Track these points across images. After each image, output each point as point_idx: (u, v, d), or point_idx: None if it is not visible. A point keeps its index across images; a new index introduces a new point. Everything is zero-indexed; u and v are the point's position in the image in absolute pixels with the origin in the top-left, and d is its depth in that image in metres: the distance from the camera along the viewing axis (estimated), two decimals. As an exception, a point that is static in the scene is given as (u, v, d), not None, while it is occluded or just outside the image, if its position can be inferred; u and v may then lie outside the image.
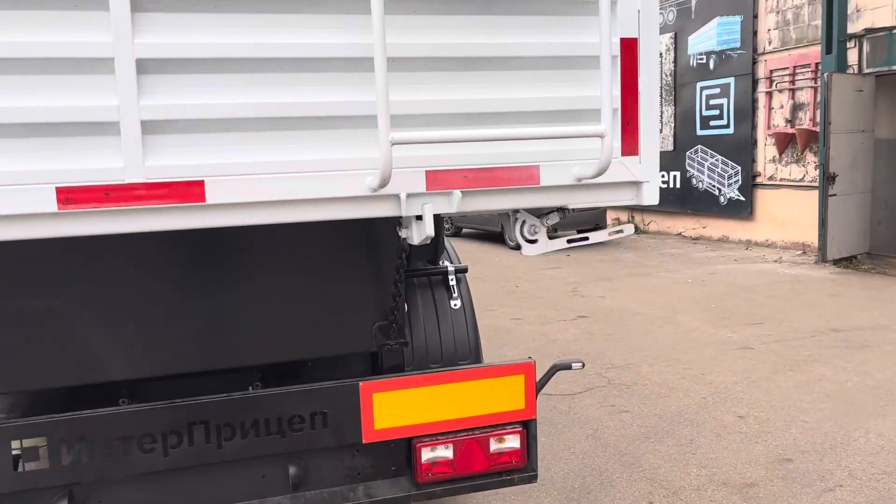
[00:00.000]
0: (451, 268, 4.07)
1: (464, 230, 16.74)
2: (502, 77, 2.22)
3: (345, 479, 2.95)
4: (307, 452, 2.87)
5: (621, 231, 2.65)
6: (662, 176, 15.54)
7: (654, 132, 2.36)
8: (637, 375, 6.16)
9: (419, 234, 2.22)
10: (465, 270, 4.11)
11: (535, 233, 2.49)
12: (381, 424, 2.88)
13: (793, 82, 12.76)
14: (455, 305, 4.01)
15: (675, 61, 15.01)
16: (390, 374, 2.97)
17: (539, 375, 3.13)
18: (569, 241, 2.63)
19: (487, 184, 2.21)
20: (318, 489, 2.92)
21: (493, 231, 15.14)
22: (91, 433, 2.54)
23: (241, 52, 1.98)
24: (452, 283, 4.06)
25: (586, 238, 2.67)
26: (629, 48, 2.29)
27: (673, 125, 15.19)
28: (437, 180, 2.17)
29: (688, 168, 14.93)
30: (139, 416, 2.61)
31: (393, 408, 2.89)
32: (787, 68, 12.81)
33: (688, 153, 14.89)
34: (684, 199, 15.09)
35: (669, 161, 15.28)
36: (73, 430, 2.52)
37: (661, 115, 15.28)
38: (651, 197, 2.38)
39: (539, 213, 2.54)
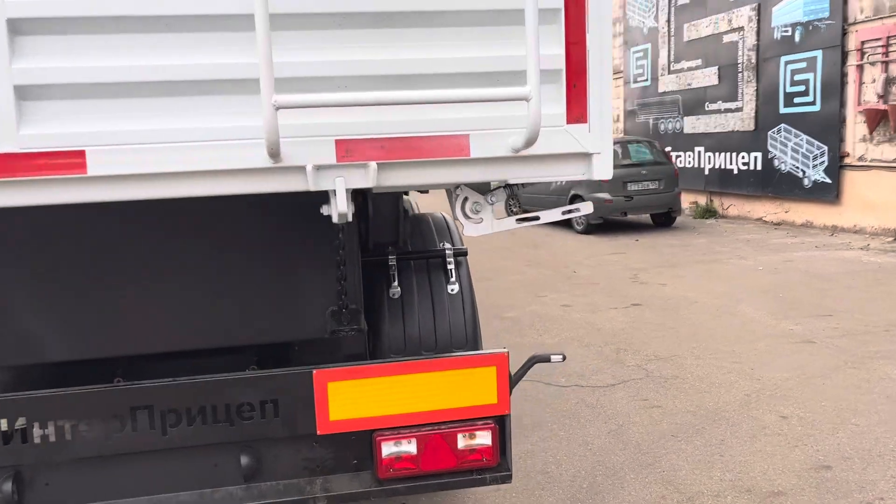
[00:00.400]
0: (449, 250, 3.86)
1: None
2: (428, 34, 1.97)
3: (303, 472, 2.80)
4: (262, 442, 2.73)
5: (578, 209, 2.36)
6: (742, 157, 14.70)
7: (606, 96, 2.06)
8: (679, 368, 5.76)
9: (335, 211, 2.01)
10: (464, 253, 3.87)
11: (478, 211, 2.23)
12: (338, 416, 2.71)
13: (886, 54, 11.74)
14: (452, 290, 3.79)
15: (757, 34, 14.11)
16: (347, 363, 2.77)
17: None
18: (518, 221, 2.35)
19: (408, 155, 1.97)
20: (273, 480, 2.78)
21: (560, 215, 14.69)
22: (33, 414, 2.47)
23: (122, 10, 1.81)
24: (451, 266, 3.84)
25: (537, 217, 2.39)
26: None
27: (754, 103, 14.31)
28: (350, 151, 1.95)
29: (769, 148, 14.05)
30: (81, 399, 2.52)
31: (351, 398, 2.71)
32: (881, 39, 11.79)
33: (770, 133, 14.00)
34: (765, 182, 14.22)
35: (750, 141, 14.43)
36: (15, 410, 2.46)
37: (739, 93, 14.45)
38: (603, 170, 2.09)
39: (483, 189, 2.28)
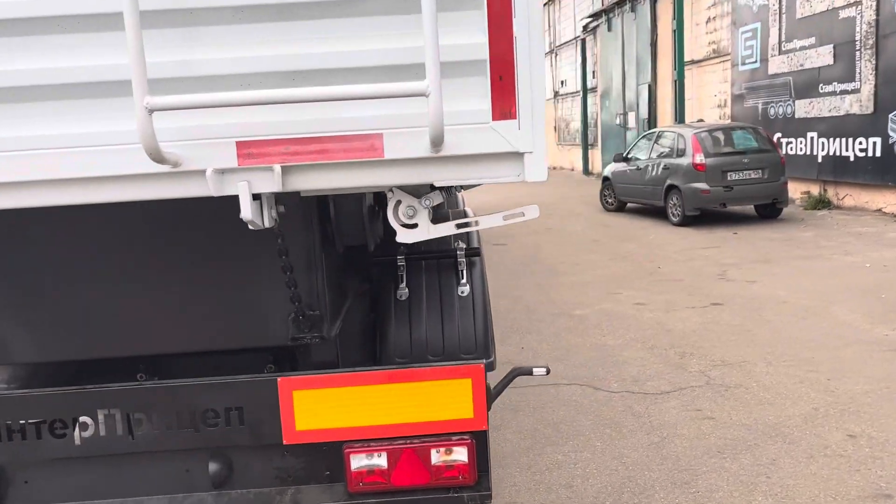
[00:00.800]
0: (460, 250, 3.68)
1: (628, 205, 15.77)
2: (334, 26, 1.81)
3: (274, 481, 2.73)
4: (233, 449, 2.68)
5: (522, 214, 2.12)
6: (859, 143, 13.52)
7: (538, 89, 1.82)
8: (745, 376, 5.31)
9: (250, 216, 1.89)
10: (476, 253, 3.69)
11: (412, 216, 2.05)
12: (305, 425, 2.61)
13: None
14: (462, 292, 3.62)
15: (876, 9, 12.90)
16: (314, 371, 2.66)
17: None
18: (458, 227, 2.14)
19: (315, 157, 1.82)
20: (244, 489, 2.73)
21: (657, 205, 14.08)
22: (4, 413, 2.52)
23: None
24: (462, 267, 3.67)
25: (476, 223, 2.17)
26: (499, -22, 1.77)
27: (873, 83, 13.11)
28: (252, 153, 1.83)
29: (890, 133, 12.83)
30: (49, 400, 2.55)
31: (318, 408, 2.61)
32: None
33: (891, 116, 12.78)
34: (885, 170, 13.00)
35: (868, 125, 13.24)
36: None
37: (856, 73, 13.31)
38: (537, 172, 1.86)
39: (418, 192, 2.09)
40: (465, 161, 1.87)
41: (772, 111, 16.23)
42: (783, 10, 15.60)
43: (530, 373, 2.72)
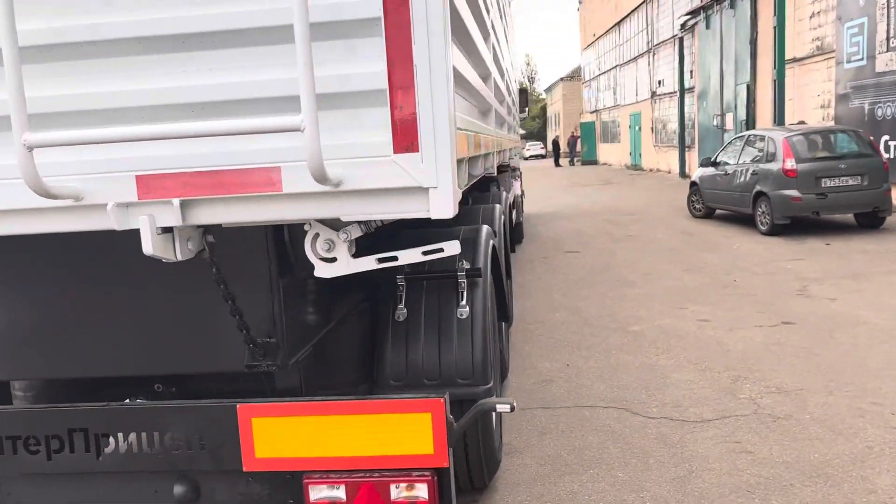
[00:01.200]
0: (461, 271, 3.57)
1: (717, 212, 15.06)
2: (229, 57, 1.75)
3: (239, 506, 2.72)
4: (199, 473, 2.68)
5: (441, 249, 1.98)
6: (975, 147, 12.37)
7: (442, 120, 1.70)
8: (799, 406, 4.91)
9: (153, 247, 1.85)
10: (478, 274, 3.57)
11: (330, 250, 1.95)
12: (264, 453, 2.58)
13: None
14: (462, 315, 3.51)
15: None
16: (274, 399, 2.62)
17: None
18: (379, 261, 2.03)
19: (213, 190, 1.77)
20: None
21: (745, 213, 13.38)
22: None
23: None
24: (463, 288, 3.56)
25: (395, 258, 2.04)
26: (397, 4, 1.66)
27: None
28: (151, 187, 1.79)
29: None
30: (22, 417, 2.63)
31: (277, 436, 2.57)
32: None
33: None
34: None
35: None
36: None
37: None
38: (442, 208, 1.73)
39: (337, 224, 1.99)
40: (368, 195, 1.77)
41: (879, 112, 15.12)
42: (892, 4, 14.50)
43: (494, 409, 2.57)
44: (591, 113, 49.05)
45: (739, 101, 22.16)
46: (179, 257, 1.93)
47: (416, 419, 2.53)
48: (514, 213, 10.90)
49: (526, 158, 63.62)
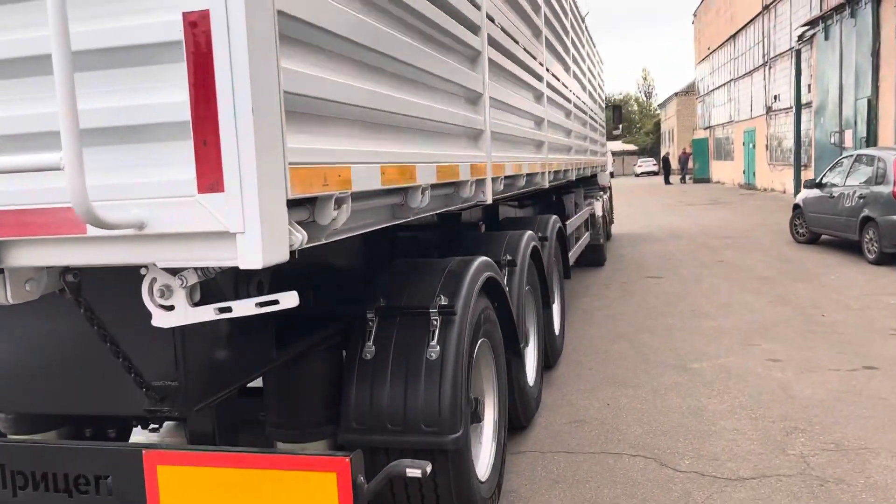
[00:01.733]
0: (434, 309, 3.33)
1: (822, 237, 13.93)
2: (29, 87, 1.60)
3: (154, 557, 2.57)
4: None
5: (277, 301, 1.72)
6: None
7: (248, 156, 1.47)
8: (856, 468, 4.30)
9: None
10: (452, 311, 3.31)
11: (168, 297, 1.76)
12: (170, 502, 2.43)
13: None
14: (431, 356, 3.26)
15: None
16: (179, 447, 2.46)
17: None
18: (219, 311, 1.80)
19: (17, 232, 1.62)
20: None
21: (851, 239, 12.29)
22: None
23: None
24: (434, 327, 3.31)
25: (229, 309, 1.80)
26: (197, 27, 1.45)
27: None
28: (-42, 227, 1.66)
29: None
30: None
31: (182, 486, 2.43)
32: None
33: None
34: None
35: None
36: None
37: None
38: (251, 257, 1.49)
39: (174, 270, 1.79)
40: (177, 240, 1.57)
41: None
42: None
43: (403, 473, 2.30)
44: (705, 129, 47.15)
45: (860, 116, 20.57)
46: (10, 300, 1.80)
47: (320, 479, 2.30)
48: (583, 235, 10.43)
49: (637, 175, 61.87)
